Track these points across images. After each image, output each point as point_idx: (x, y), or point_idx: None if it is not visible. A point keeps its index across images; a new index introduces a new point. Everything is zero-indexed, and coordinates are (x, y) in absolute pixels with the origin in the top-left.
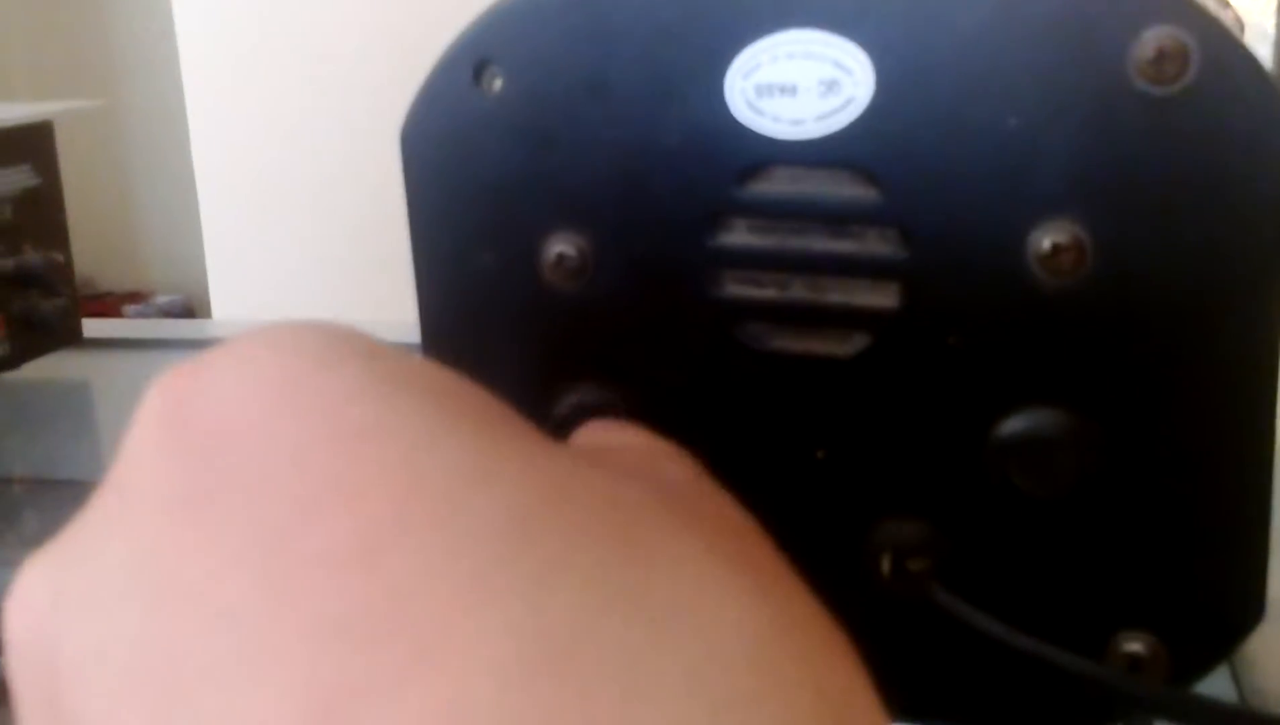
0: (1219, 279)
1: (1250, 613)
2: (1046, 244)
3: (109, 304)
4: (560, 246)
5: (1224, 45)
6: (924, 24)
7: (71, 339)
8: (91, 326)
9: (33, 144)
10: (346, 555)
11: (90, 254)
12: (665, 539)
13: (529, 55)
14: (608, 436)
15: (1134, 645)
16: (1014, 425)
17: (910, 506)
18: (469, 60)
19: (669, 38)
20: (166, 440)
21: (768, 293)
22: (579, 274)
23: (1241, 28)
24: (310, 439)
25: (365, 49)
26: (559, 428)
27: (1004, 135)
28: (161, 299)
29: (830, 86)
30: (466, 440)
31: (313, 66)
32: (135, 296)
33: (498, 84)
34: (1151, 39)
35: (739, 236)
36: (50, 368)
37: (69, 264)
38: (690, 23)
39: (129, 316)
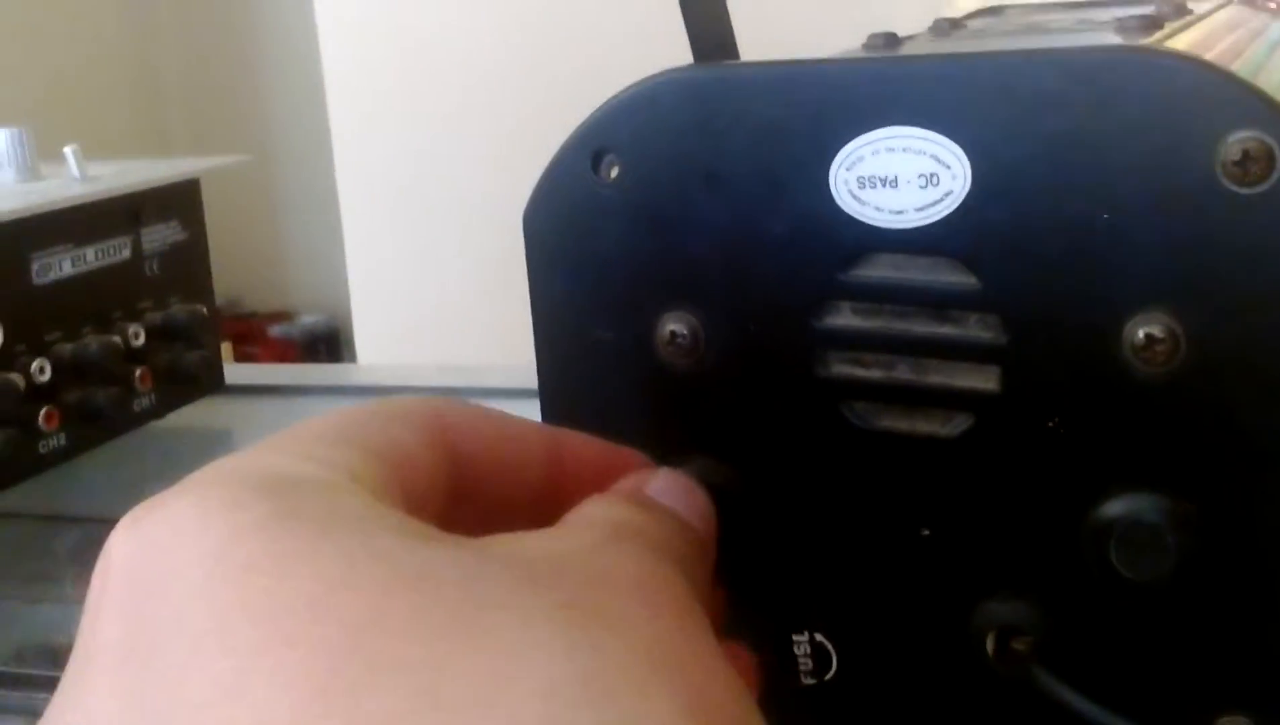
0: None
1: None
2: (1141, 335)
3: (254, 324)
4: (674, 325)
5: None
6: (1017, 123)
7: (215, 387)
8: (234, 373)
9: (181, 201)
10: None
11: (237, 275)
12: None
13: (645, 145)
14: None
15: None
16: (1112, 509)
17: (1014, 587)
18: (588, 148)
19: (777, 132)
20: (108, 599)
21: (873, 373)
22: (691, 352)
23: None
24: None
25: (504, 82)
26: None
27: (1096, 230)
28: (306, 319)
29: (930, 180)
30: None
31: (450, 94)
32: (280, 316)
33: (615, 172)
34: (1237, 142)
35: (844, 319)
36: (194, 416)
37: (213, 315)
38: (796, 118)
39: (274, 336)
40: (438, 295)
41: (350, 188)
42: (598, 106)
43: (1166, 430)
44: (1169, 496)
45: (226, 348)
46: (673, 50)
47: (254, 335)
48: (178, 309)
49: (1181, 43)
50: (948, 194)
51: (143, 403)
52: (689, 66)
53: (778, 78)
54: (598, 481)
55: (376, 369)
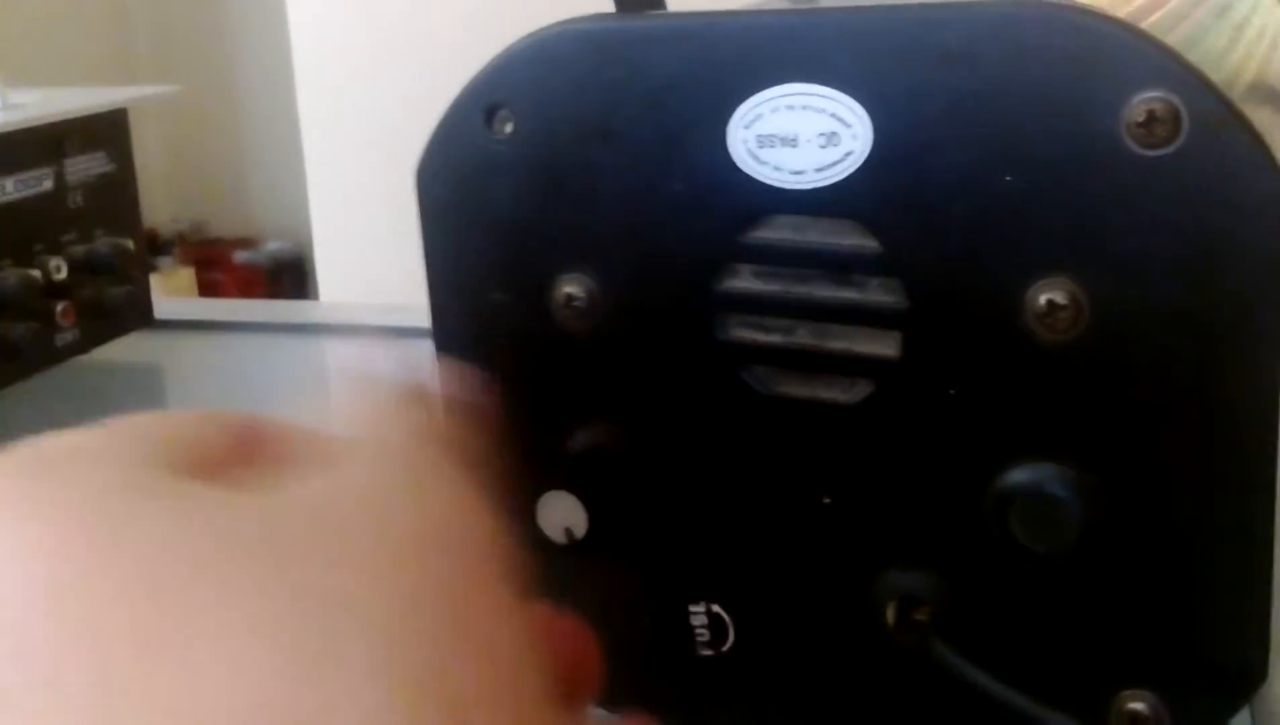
0: (1214, 333)
1: (1255, 672)
2: (1043, 301)
3: (219, 250)
4: (569, 287)
5: (1214, 108)
6: (920, 83)
7: (142, 322)
8: (163, 308)
9: (108, 132)
10: None
11: (202, 201)
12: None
13: (539, 100)
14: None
15: (1137, 704)
16: (1014, 478)
17: (915, 557)
18: (482, 102)
19: (673, 88)
20: None
21: (773, 338)
22: (588, 315)
23: None
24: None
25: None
26: (574, 464)
27: (1000, 193)
28: (271, 245)
29: (830, 139)
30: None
31: (415, 18)
32: (246, 242)
33: (509, 127)
34: (1142, 103)
35: (744, 282)
36: (122, 350)
37: (140, 249)
38: (693, 74)
39: (239, 263)
40: (402, 225)
41: (311, 116)
42: (493, 58)
43: (1069, 399)
44: (1072, 466)
45: (189, 273)
46: None
47: (218, 261)
48: (102, 242)
49: None
50: (848, 154)
51: (65, 338)
52: (586, 17)
53: (674, 31)
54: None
55: (310, 306)
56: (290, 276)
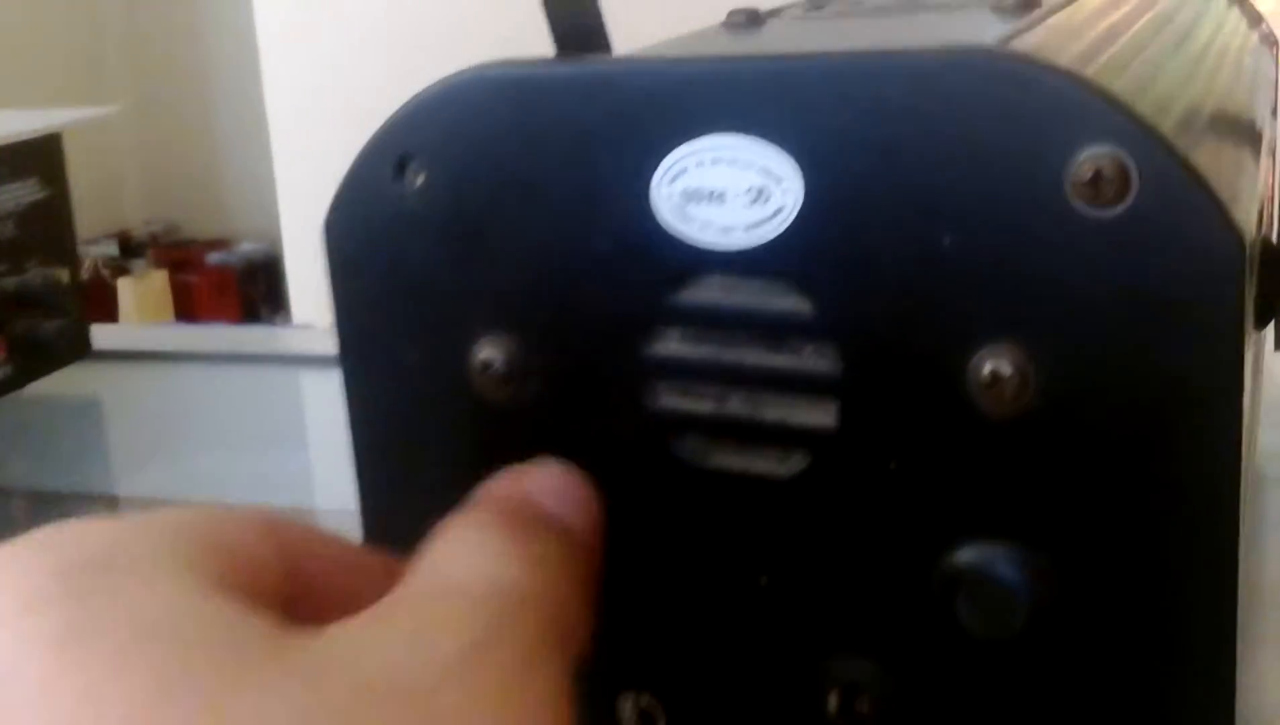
0: (1170, 403)
1: None
2: (987, 371)
3: (192, 251)
4: (488, 351)
5: (1166, 164)
6: (853, 135)
7: (78, 355)
8: (101, 336)
9: (40, 157)
10: None
11: (174, 201)
12: None
13: (453, 151)
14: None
15: None
16: (961, 558)
17: (857, 641)
18: (391, 153)
19: (593, 139)
20: None
21: (704, 406)
22: (507, 381)
23: (1275, 44)
24: None
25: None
26: None
27: (939, 254)
28: (245, 246)
29: (759, 195)
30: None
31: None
32: (219, 244)
33: (420, 179)
34: (1089, 159)
35: (672, 346)
36: (59, 383)
37: (76, 279)
38: (614, 124)
39: (212, 264)
40: None
41: (280, 118)
42: (401, 105)
43: (1017, 474)
44: (1020, 546)
45: (162, 276)
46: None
47: (191, 263)
48: (35, 273)
49: (1054, 27)
50: (779, 211)
51: None
52: (501, 63)
53: (593, 78)
54: None
55: (252, 333)
56: (265, 277)
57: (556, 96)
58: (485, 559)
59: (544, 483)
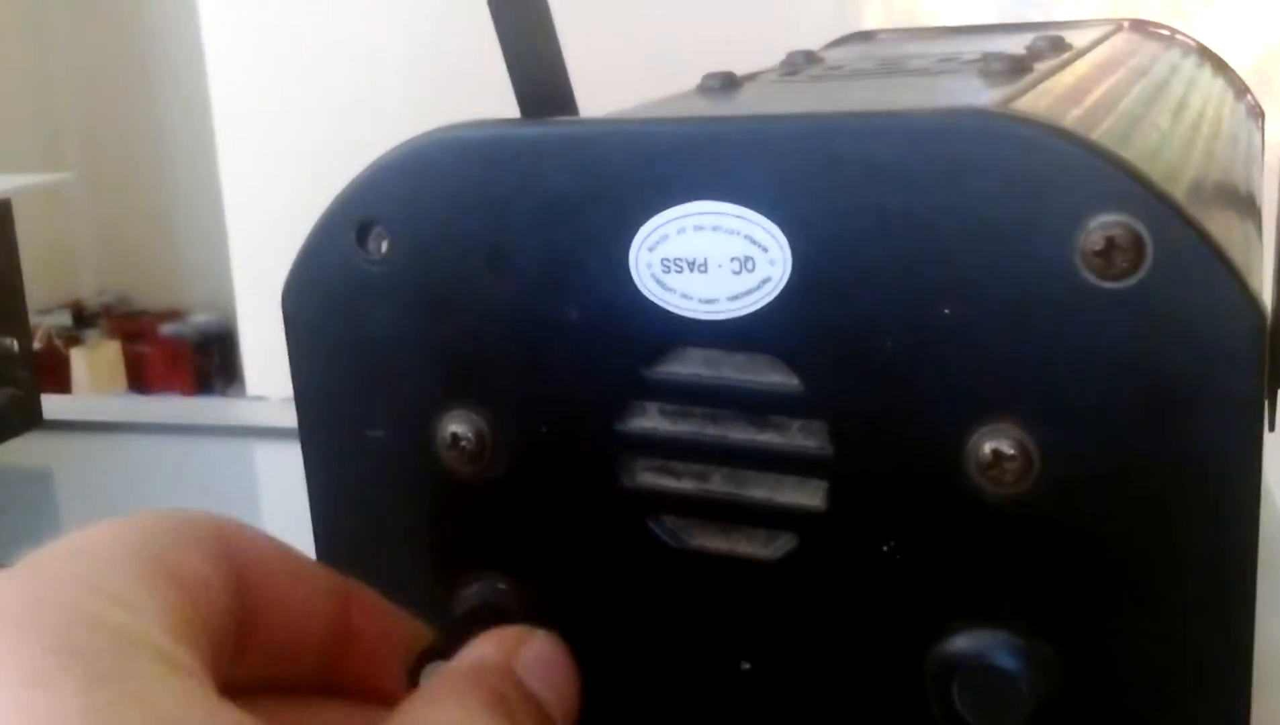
0: (1181, 486)
1: None
2: (988, 450)
3: (145, 322)
4: (456, 425)
5: (1181, 233)
6: (844, 202)
7: (28, 426)
8: (51, 407)
9: None
10: None
11: (128, 272)
12: None
13: (417, 216)
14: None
15: None
16: (957, 646)
17: None
18: (353, 218)
19: (566, 203)
20: None
21: (685, 485)
22: (477, 456)
23: (1261, 115)
24: None
25: (391, 88)
26: (458, 629)
27: (937, 327)
28: (199, 318)
29: (744, 264)
30: None
31: (335, 94)
32: (172, 315)
33: (384, 246)
34: (1099, 229)
35: (651, 421)
36: (10, 454)
37: (26, 348)
38: (588, 188)
39: (165, 335)
40: None
41: (234, 191)
42: (363, 170)
43: (1018, 558)
44: (1021, 634)
45: (115, 347)
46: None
47: (144, 334)
48: None
49: (1050, 94)
50: (765, 281)
51: None
52: (466, 124)
53: (565, 139)
54: (385, 643)
55: (206, 404)
56: (218, 348)
57: (524, 158)
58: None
59: (532, 659)
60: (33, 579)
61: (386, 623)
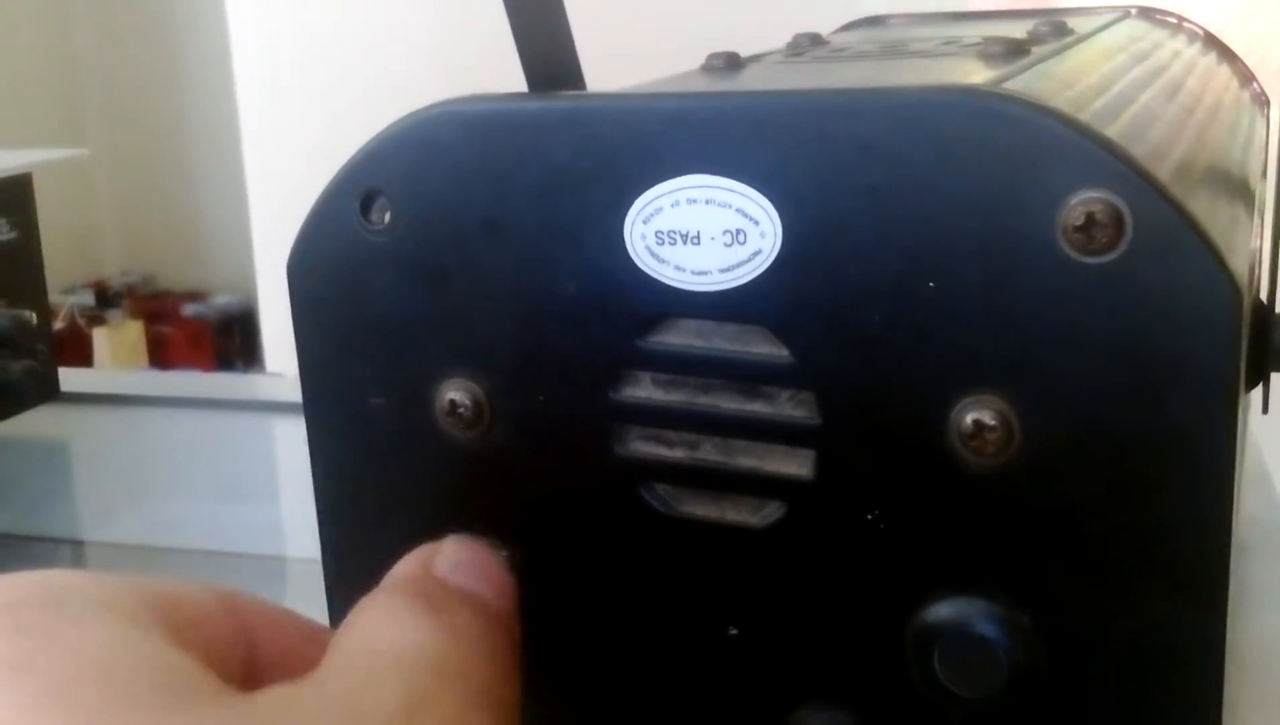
0: (1159, 458)
1: None
2: (970, 421)
3: (168, 303)
4: (454, 393)
5: (1160, 210)
6: (834, 178)
7: (45, 397)
8: (71, 380)
9: (10, 198)
10: None
11: (151, 252)
12: None
13: (420, 188)
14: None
15: None
16: (938, 614)
17: (829, 695)
18: (357, 189)
19: (564, 177)
20: None
21: (676, 453)
22: (475, 423)
23: (1267, 102)
24: None
25: (415, 61)
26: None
27: (922, 300)
28: (220, 299)
29: (736, 237)
30: None
31: (362, 72)
32: (195, 296)
33: (387, 217)
34: (1080, 204)
35: (644, 391)
36: (26, 426)
37: (45, 321)
38: (586, 162)
39: (187, 316)
40: None
41: (257, 171)
42: (368, 141)
43: (999, 528)
44: (1001, 602)
45: (137, 326)
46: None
47: (167, 314)
48: (3, 314)
49: (1044, 75)
50: (756, 253)
51: None
52: (467, 98)
53: (565, 114)
54: None
55: (224, 379)
56: (240, 329)
57: (525, 132)
58: (405, 632)
59: (452, 560)
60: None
61: None
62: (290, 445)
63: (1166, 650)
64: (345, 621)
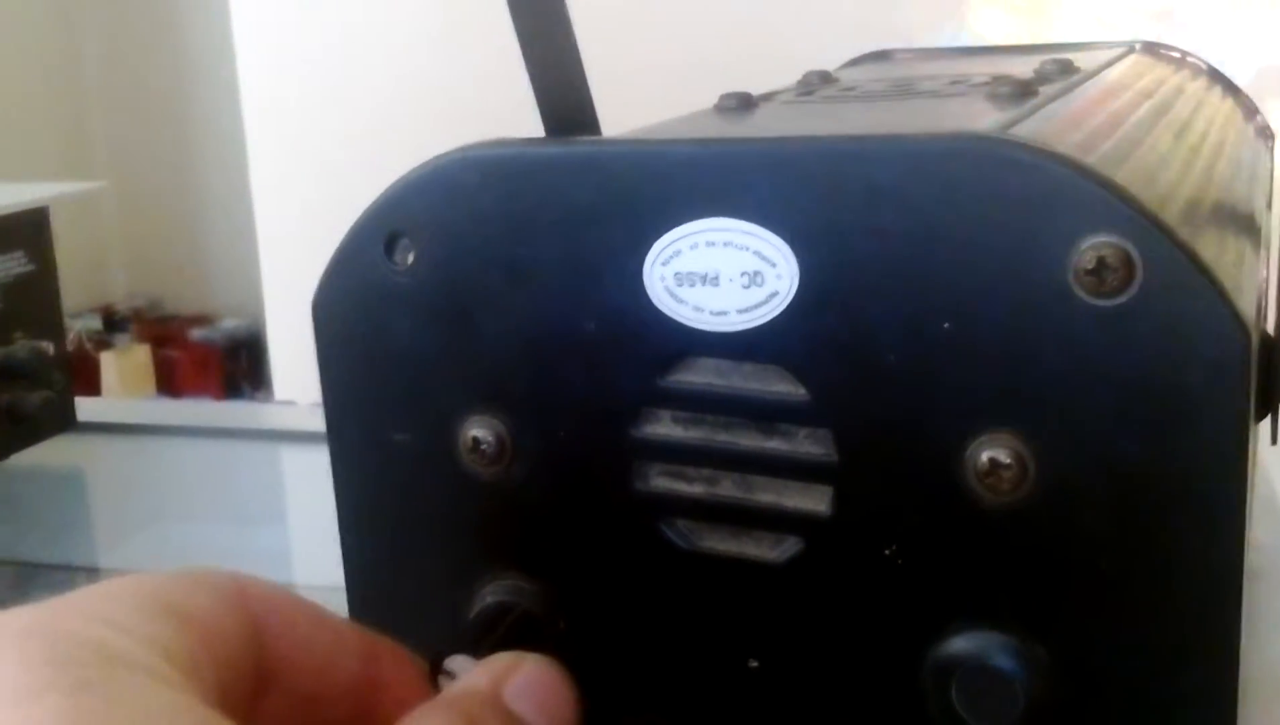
0: (1170, 497)
1: None
2: (985, 459)
3: (175, 327)
4: (477, 430)
5: (1169, 254)
6: (849, 222)
7: (61, 427)
8: (86, 409)
9: (27, 231)
10: None
11: (158, 277)
12: None
13: (442, 230)
14: None
15: None
16: (955, 648)
17: None
18: (381, 231)
19: (584, 220)
20: None
21: (695, 489)
22: (497, 460)
23: (1272, 137)
24: None
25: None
26: (475, 627)
27: (937, 341)
28: (228, 323)
29: (753, 278)
30: None
31: (366, 102)
32: (202, 320)
33: (410, 257)
34: (1091, 248)
35: (664, 428)
36: (43, 455)
37: (61, 351)
38: (605, 205)
39: (195, 340)
40: None
41: (265, 196)
42: (392, 184)
43: (1014, 564)
44: (1017, 636)
45: (144, 351)
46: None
47: (174, 338)
48: (21, 345)
49: (1052, 117)
50: (773, 295)
51: None
52: (489, 143)
53: (585, 159)
54: (413, 691)
55: (235, 408)
56: (247, 353)
57: (545, 176)
58: None
59: (521, 683)
60: (41, 608)
61: (413, 671)
62: (298, 473)
63: (1180, 683)
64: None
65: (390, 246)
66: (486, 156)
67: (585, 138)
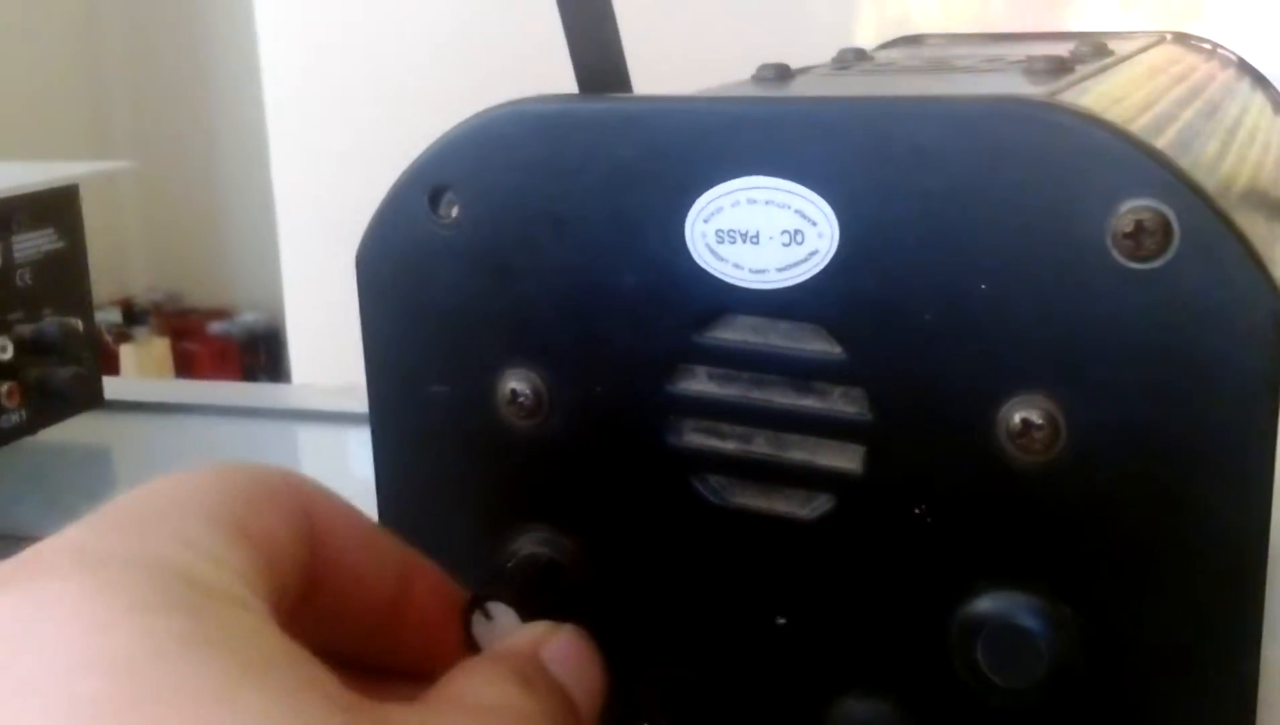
0: (1201, 460)
1: None
2: (1017, 420)
3: (194, 321)
4: (515, 382)
5: (1207, 220)
6: (891, 182)
7: (90, 403)
8: (113, 387)
9: (57, 208)
10: None
11: (177, 270)
12: None
13: (486, 184)
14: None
15: None
16: (981, 606)
17: (874, 684)
18: (426, 184)
19: (628, 175)
20: None
21: (729, 445)
22: (534, 412)
23: None
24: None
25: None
26: (499, 580)
27: (973, 302)
28: (246, 317)
29: (794, 237)
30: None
31: (388, 94)
32: (220, 313)
33: (454, 211)
34: (1130, 212)
35: (699, 384)
36: (71, 432)
37: (90, 328)
38: (649, 161)
39: (214, 333)
40: None
41: (286, 189)
42: (438, 137)
43: (1043, 525)
44: (1043, 596)
45: (163, 343)
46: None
47: (193, 332)
48: (50, 322)
49: (1090, 91)
50: (813, 253)
51: (11, 419)
52: (536, 98)
53: (629, 115)
54: (441, 620)
55: (262, 389)
56: (265, 347)
57: (590, 132)
58: (504, 695)
59: (556, 649)
60: (124, 530)
61: (444, 598)
62: (317, 452)
63: (1204, 645)
64: (450, 674)
65: (435, 200)
66: (533, 111)
67: (628, 95)
